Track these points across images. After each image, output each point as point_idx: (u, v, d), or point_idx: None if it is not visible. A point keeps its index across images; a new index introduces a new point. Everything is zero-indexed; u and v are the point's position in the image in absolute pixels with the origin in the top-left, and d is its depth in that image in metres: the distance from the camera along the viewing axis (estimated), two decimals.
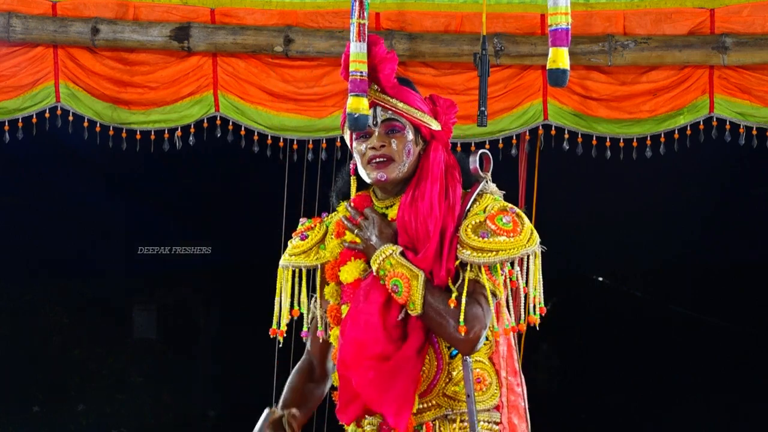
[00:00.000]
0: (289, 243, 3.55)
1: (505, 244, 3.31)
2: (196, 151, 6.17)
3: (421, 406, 3.35)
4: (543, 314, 3.40)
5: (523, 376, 3.54)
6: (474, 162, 3.44)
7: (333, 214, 3.56)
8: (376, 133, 3.36)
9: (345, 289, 3.41)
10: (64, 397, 9.57)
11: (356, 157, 3.41)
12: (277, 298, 3.52)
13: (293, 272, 3.50)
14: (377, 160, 3.36)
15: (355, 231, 3.40)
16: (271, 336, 3.53)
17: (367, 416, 3.39)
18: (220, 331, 9.86)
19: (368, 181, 3.41)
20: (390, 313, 3.32)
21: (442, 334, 3.30)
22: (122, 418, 9.58)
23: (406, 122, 3.39)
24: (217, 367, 9.91)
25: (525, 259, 3.35)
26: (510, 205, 3.40)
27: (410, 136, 3.39)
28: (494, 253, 3.31)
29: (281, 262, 3.53)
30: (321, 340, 3.50)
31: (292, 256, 3.51)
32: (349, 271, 3.40)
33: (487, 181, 3.45)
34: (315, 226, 3.53)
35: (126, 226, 9.26)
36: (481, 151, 3.46)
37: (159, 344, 10.02)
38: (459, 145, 6.03)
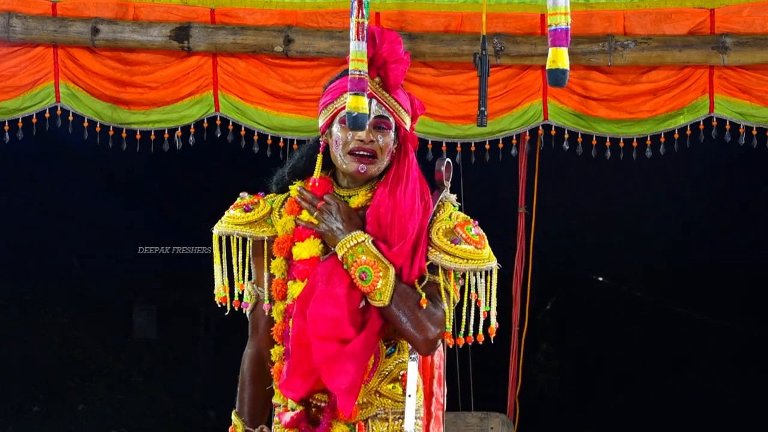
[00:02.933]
0: (226, 213, 3.53)
1: (474, 254, 3.38)
2: (196, 151, 6.17)
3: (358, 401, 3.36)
4: (494, 333, 3.43)
5: (446, 388, 3.58)
6: (441, 170, 3.48)
7: (272, 195, 3.55)
8: (366, 126, 3.37)
9: (296, 265, 3.40)
10: (64, 397, 9.57)
11: (336, 142, 3.42)
12: (221, 266, 3.51)
13: (237, 241, 3.48)
14: (361, 152, 3.39)
15: (315, 213, 3.40)
16: (222, 304, 3.52)
17: (315, 396, 3.38)
18: (220, 331, 9.85)
19: (343, 169, 3.43)
20: (353, 299, 3.33)
21: (404, 330, 3.32)
22: (122, 418, 9.58)
23: (393, 121, 3.43)
24: (217, 367, 9.91)
25: (484, 274, 3.40)
26: (469, 217, 3.47)
27: (392, 134, 3.43)
28: (465, 261, 3.37)
29: (223, 229, 3.50)
30: (266, 317, 3.48)
31: (237, 225, 3.49)
32: (306, 248, 3.39)
33: (447, 189, 3.50)
34: (258, 201, 3.52)
35: (126, 226, 9.25)
36: (447, 159, 3.51)
37: (159, 344, 10.02)
38: (459, 144, 6.04)
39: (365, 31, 3.01)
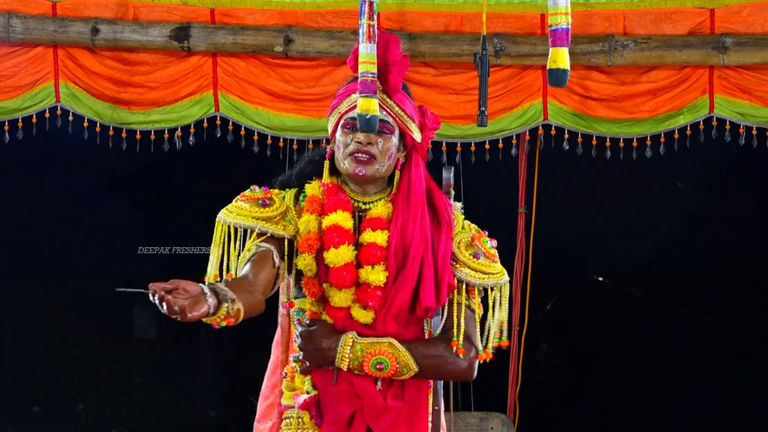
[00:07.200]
0: (237, 204, 3.45)
1: (493, 268, 3.41)
2: (196, 151, 6.17)
3: None
4: (506, 345, 3.48)
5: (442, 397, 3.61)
6: (448, 178, 3.49)
7: (277, 191, 3.49)
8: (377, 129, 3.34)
9: (331, 272, 3.33)
10: (64, 397, 9.56)
11: (339, 146, 3.40)
12: (222, 255, 3.39)
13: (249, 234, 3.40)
14: (359, 155, 3.35)
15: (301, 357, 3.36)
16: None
17: None
18: (220, 331, 9.84)
19: (344, 171, 3.39)
20: None
21: (444, 375, 3.38)
22: (122, 418, 9.57)
23: (396, 126, 3.39)
24: (217, 367, 9.90)
25: (498, 288, 3.43)
26: (477, 227, 3.49)
27: (395, 140, 3.39)
28: (487, 276, 3.39)
29: (239, 221, 3.40)
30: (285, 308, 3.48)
31: (258, 220, 3.39)
32: (341, 255, 3.32)
33: (452, 196, 3.51)
34: (272, 197, 3.44)
35: (126, 226, 9.24)
36: (452, 166, 3.54)
37: (159, 344, 10.00)
38: (459, 144, 6.04)
39: (376, 34, 3.00)
